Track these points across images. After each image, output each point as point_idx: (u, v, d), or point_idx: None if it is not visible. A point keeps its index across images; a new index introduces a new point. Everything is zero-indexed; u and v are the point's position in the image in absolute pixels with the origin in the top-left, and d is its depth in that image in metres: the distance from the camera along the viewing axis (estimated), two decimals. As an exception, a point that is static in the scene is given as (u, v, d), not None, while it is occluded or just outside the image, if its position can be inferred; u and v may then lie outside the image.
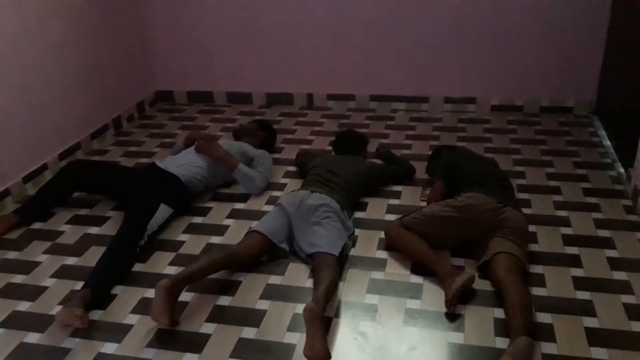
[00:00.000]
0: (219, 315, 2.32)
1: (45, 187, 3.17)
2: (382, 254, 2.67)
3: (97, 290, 2.40)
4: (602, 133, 3.90)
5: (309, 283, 2.48)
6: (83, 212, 3.15)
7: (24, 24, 3.34)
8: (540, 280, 2.44)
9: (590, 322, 2.20)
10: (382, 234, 2.81)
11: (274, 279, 2.52)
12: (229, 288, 2.47)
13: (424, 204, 3.06)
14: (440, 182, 2.89)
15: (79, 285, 2.48)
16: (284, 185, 3.35)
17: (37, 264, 2.71)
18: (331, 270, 2.36)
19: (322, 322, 2.09)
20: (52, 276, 2.61)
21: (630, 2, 3.54)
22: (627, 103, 3.48)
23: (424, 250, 2.51)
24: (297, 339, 2.16)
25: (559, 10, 4.00)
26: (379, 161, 3.53)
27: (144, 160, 3.77)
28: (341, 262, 2.52)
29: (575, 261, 2.56)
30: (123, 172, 3.23)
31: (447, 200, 2.69)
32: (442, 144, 3.64)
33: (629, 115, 3.37)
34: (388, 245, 2.70)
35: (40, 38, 3.47)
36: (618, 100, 3.75)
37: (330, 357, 2.03)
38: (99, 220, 3.06)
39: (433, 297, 2.37)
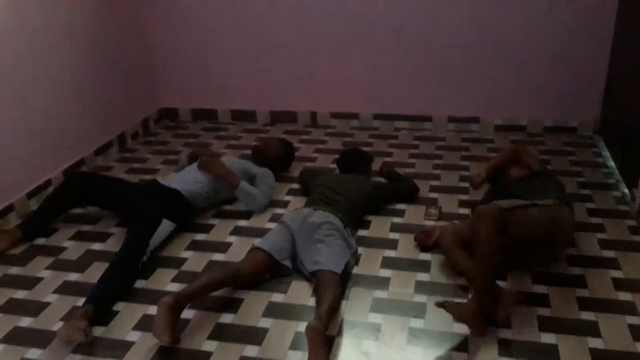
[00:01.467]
0: (221, 333, 2.30)
1: (48, 199, 3.15)
2: (385, 273, 2.66)
3: (99, 307, 2.39)
4: (606, 153, 3.90)
5: (311, 301, 2.46)
6: (86, 228, 3.16)
7: (29, 43, 3.37)
8: (544, 301, 2.42)
9: (595, 342, 2.18)
10: (385, 252, 2.80)
11: (277, 297, 2.51)
12: (231, 306, 2.46)
13: (428, 222, 3.06)
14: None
15: (81, 301, 2.47)
16: (287, 202, 3.35)
17: (40, 279, 2.70)
18: (334, 288, 2.35)
19: (324, 340, 2.08)
20: (54, 292, 2.61)
21: (634, 23, 3.56)
22: (631, 123, 3.48)
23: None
24: (300, 358, 2.14)
25: (562, 31, 4.03)
26: (382, 179, 3.53)
27: (148, 176, 3.77)
28: (344, 280, 2.51)
29: (580, 282, 2.55)
30: (126, 187, 3.22)
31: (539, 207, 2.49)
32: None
33: (633, 136, 3.37)
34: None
35: (44, 55, 3.51)
36: (622, 120, 3.75)
37: (332, 377, 2.01)
38: (102, 237, 3.06)
39: (437, 316, 2.35)
